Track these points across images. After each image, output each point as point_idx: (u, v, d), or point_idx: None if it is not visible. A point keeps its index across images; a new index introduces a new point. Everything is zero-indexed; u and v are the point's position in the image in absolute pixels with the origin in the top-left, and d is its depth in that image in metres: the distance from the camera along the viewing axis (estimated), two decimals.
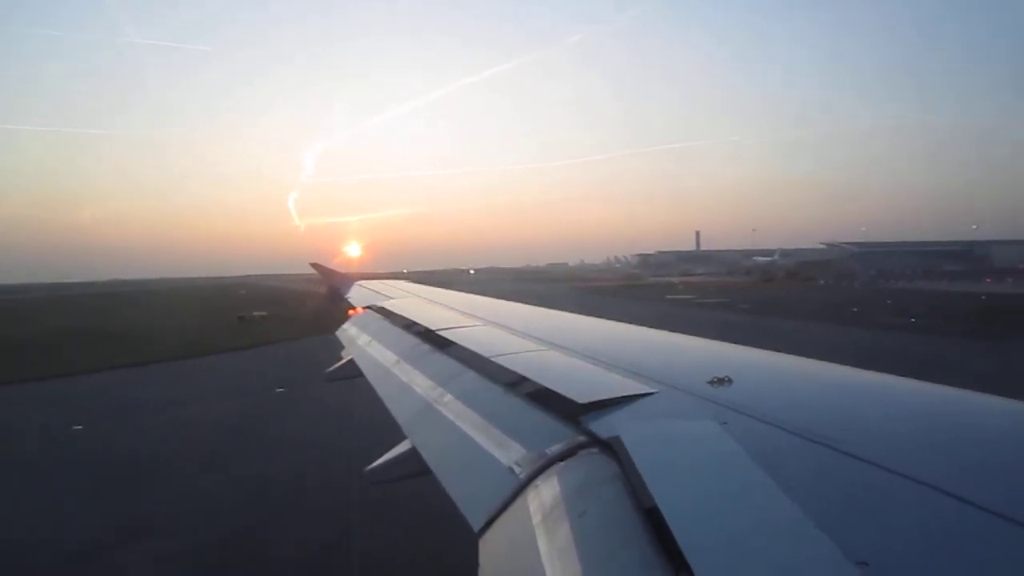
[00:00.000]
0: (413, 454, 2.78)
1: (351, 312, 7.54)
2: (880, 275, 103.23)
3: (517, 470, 2.04)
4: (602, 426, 2.04)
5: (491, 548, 1.76)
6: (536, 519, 1.71)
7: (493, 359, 3.22)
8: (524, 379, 2.79)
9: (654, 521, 1.43)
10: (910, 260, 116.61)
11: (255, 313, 55.83)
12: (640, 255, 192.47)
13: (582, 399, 2.28)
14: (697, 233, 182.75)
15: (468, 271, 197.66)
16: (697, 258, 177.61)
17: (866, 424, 1.96)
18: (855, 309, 47.66)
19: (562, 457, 1.98)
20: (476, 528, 1.87)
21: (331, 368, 5.67)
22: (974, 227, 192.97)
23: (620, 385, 2.50)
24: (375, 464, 3.14)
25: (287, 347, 35.89)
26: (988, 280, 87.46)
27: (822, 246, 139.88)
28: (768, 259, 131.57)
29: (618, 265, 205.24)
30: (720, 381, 2.32)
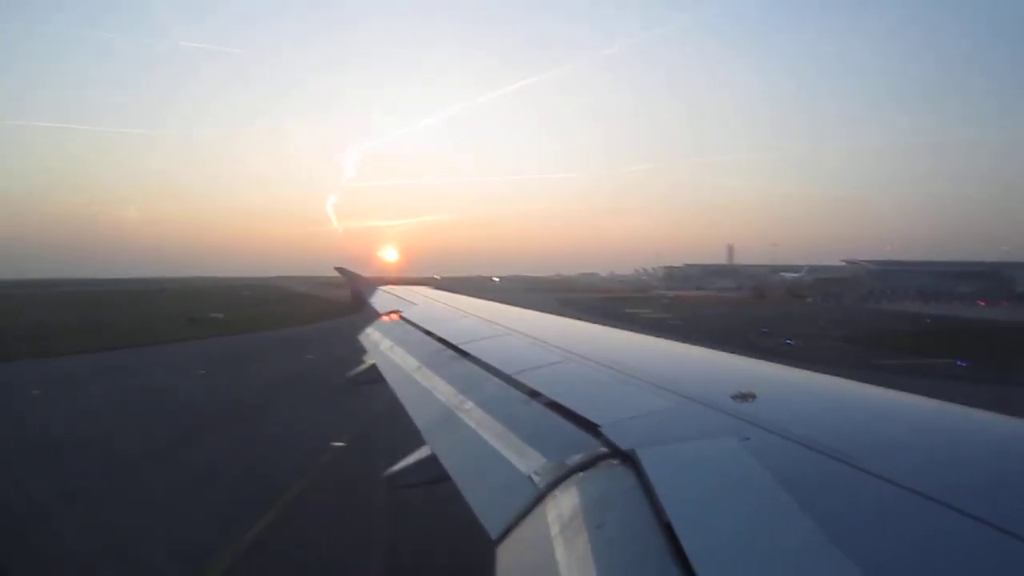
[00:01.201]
0: (432, 460, 2.80)
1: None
2: (882, 295, 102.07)
3: (536, 479, 2.02)
4: (623, 437, 2.02)
5: (509, 556, 1.75)
6: (555, 529, 1.70)
7: (514, 368, 3.26)
8: (545, 389, 2.81)
9: (673, 537, 1.40)
10: (929, 280, 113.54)
11: (212, 315, 57.93)
12: (667, 267, 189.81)
13: (604, 411, 2.28)
14: (729, 247, 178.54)
15: (492, 279, 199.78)
16: (724, 272, 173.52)
17: (892, 444, 1.92)
18: (764, 329, 46.95)
19: (582, 468, 1.97)
20: (494, 536, 1.86)
21: (352, 372, 5.81)
22: (1005, 249, 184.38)
23: (642, 397, 2.50)
24: (395, 468, 3.18)
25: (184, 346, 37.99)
26: (982, 303, 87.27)
27: (842, 263, 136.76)
28: (796, 275, 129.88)
29: (644, 277, 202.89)
30: (744, 396, 2.28)
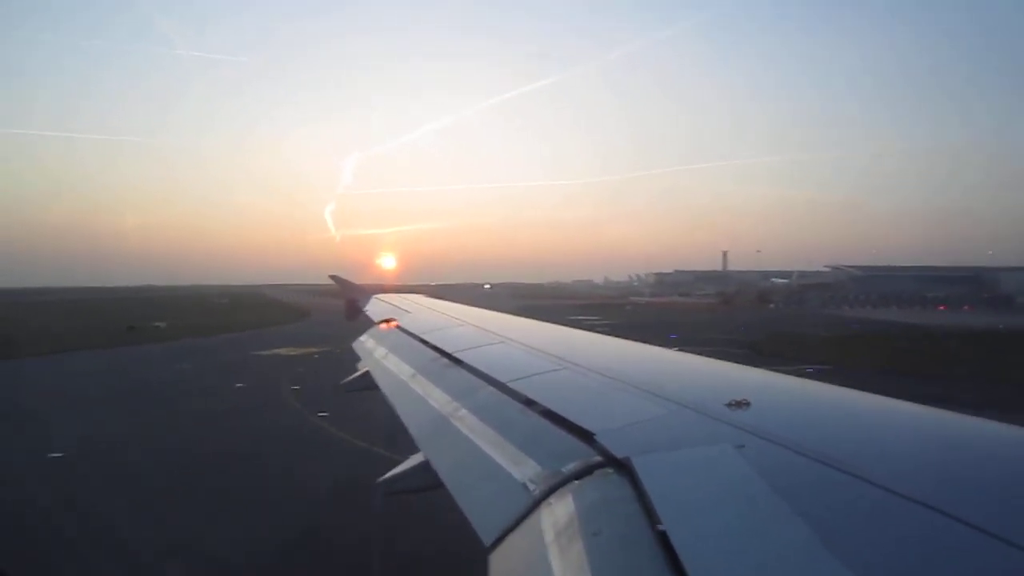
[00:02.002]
0: (426, 467, 2.80)
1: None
2: (856, 300, 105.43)
3: (531, 487, 2.02)
4: (618, 445, 2.02)
5: (502, 563, 1.74)
6: (548, 536, 1.70)
7: (508, 376, 3.26)
8: (540, 397, 2.81)
9: (668, 544, 1.40)
10: (912, 285, 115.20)
11: (155, 324, 60.14)
12: (657, 274, 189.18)
13: (599, 419, 2.28)
14: (724, 253, 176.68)
15: (484, 286, 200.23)
16: (714, 278, 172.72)
17: (886, 452, 1.93)
18: (673, 335, 47.11)
19: (577, 476, 1.96)
20: (487, 543, 1.85)
21: (346, 380, 5.80)
22: (990, 253, 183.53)
23: (637, 405, 2.50)
24: (388, 475, 3.17)
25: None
26: (942, 308, 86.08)
27: (826, 269, 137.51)
28: (784, 281, 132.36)
29: (635, 283, 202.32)
30: (738, 404, 2.28)
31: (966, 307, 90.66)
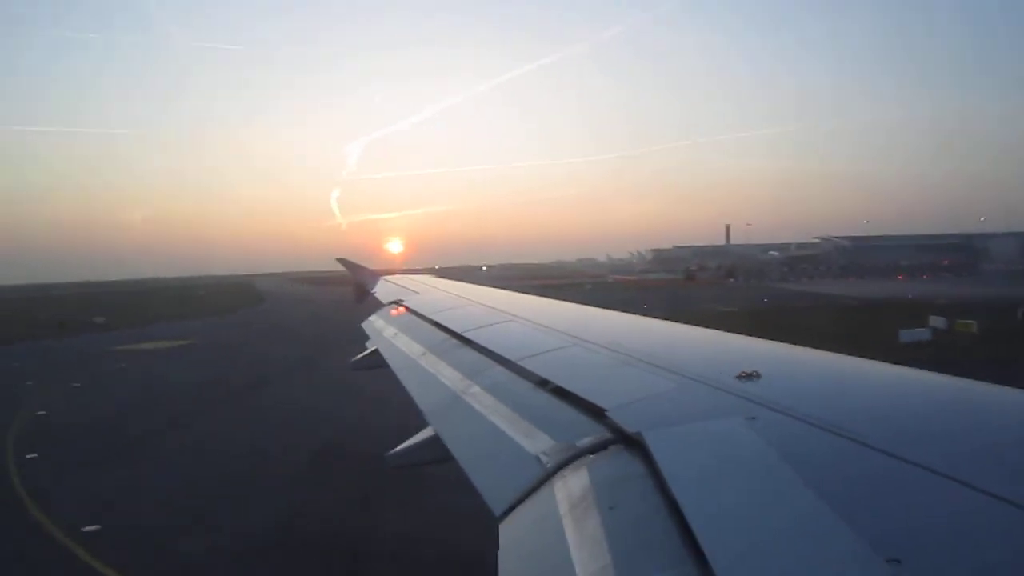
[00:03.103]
0: (434, 441, 2.82)
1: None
2: (826, 271, 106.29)
3: (544, 460, 2.02)
4: (629, 420, 2.01)
5: (512, 532, 1.75)
6: (560, 509, 1.69)
7: (518, 354, 3.28)
8: (550, 374, 2.81)
9: (681, 517, 1.40)
10: (899, 254, 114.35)
11: (95, 319, 60.07)
12: (655, 250, 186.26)
13: (609, 395, 2.29)
14: (727, 227, 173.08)
15: (481, 268, 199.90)
16: (712, 253, 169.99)
17: (897, 420, 1.91)
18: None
19: (589, 451, 1.96)
20: (497, 512, 1.86)
21: (355, 358, 5.93)
22: (982, 219, 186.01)
23: (647, 380, 2.49)
24: (396, 449, 3.20)
25: None
26: (901, 277, 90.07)
27: (816, 240, 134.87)
28: (790, 254, 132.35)
29: (634, 260, 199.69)
30: (748, 376, 2.26)
31: (924, 276, 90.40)
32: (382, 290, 9.09)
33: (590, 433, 2.07)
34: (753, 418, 1.86)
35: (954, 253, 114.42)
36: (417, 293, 7.75)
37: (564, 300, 6.00)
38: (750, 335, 3.34)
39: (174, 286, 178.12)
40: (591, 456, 1.93)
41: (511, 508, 1.85)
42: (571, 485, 1.81)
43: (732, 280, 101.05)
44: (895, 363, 2.58)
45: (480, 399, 2.93)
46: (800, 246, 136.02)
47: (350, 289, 11.56)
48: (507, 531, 1.76)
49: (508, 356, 3.32)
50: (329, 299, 72.73)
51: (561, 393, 2.55)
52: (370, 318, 6.88)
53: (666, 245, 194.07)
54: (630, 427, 1.95)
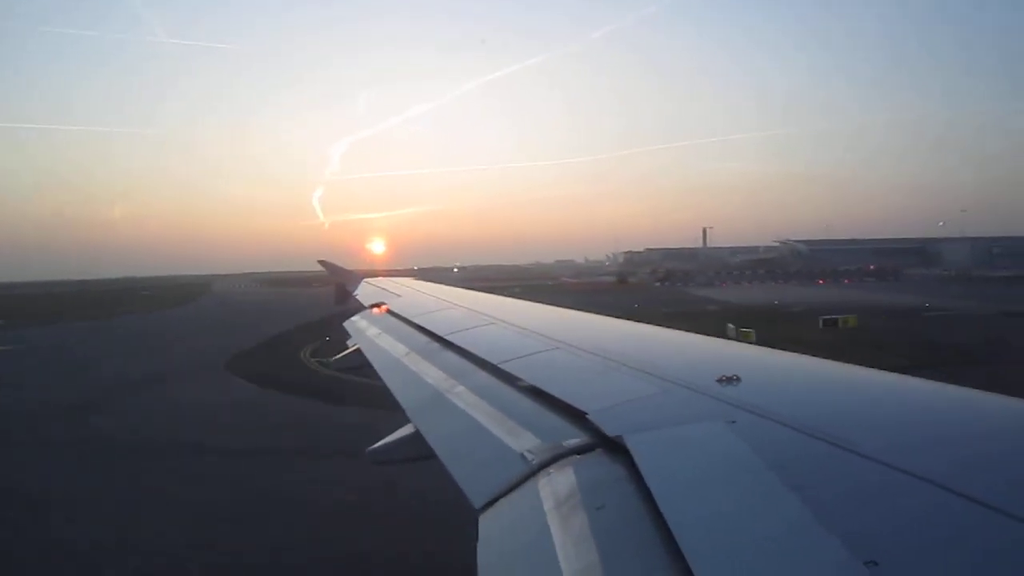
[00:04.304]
0: (416, 438, 2.83)
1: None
2: (779, 275, 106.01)
3: (529, 457, 2.02)
4: (610, 423, 2.02)
5: (492, 525, 1.77)
6: (544, 504, 1.70)
7: (499, 358, 3.28)
8: (531, 377, 2.82)
9: (661, 519, 1.41)
10: (855, 258, 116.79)
11: None
12: (627, 252, 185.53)
13: (590, 398, 2.29)
14: (704, 230, 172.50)
15: (452, 269, 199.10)
16: (682, 256, 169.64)
17: (876, 423, 1.93)
18: None
19: (572, 452, 1.97)
20: (477, 505, 1.88)
21: (336, 357, 6.11)
22: (940, 223, 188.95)
23: (628, 383, 2.51)
24: (376, 445, 3.20)
25: None
26: (821, 282, 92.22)
27: (776, 243, 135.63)
28: (749, 258, 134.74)
29: (607, 263, 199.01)
30: (729, 379, 2.28)
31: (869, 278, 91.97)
32: (363, 292, 9.16)
33: (571, 437, 2.08)
34: (733, 421, 1.89)
35: (910, 257, 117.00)
36: (399, 296, 7.80)
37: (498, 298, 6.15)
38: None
39: (131, 286, 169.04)
40: (571, 459, 1.94)
41: (490, 503, 1.87)
42: (552, 483, 1.82)
43: (659, 284, 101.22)
44: None
45: (463, 398, 2.96)
46: (768, 249, 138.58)
47: (329, 290, 11.63)
48: (487, 524, 1.78)
49: (490, 360, 3.33)
50: (281, 310, 65.61)
51: (543, 396, 2.57)
52: (352, 318, 6.93)
53: (639, 248, 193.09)
54: (611, 430, 1.96)
